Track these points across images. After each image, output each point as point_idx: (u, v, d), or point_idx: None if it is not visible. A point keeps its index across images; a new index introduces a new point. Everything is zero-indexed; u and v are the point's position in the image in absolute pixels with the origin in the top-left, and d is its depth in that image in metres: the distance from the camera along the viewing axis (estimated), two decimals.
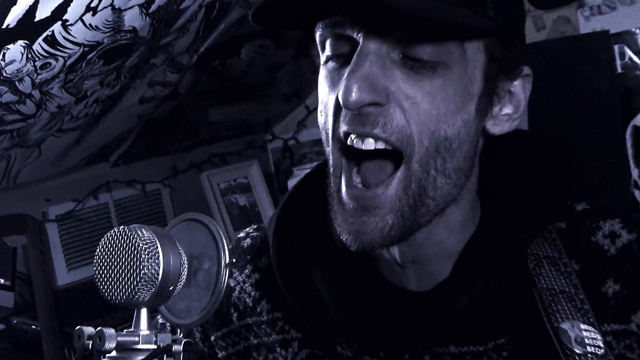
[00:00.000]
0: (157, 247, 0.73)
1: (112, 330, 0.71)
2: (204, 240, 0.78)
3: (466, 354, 0.88)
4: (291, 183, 2.74)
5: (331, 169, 0.87)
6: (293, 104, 3.03)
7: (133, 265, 0.73)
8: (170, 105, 2.63)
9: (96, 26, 1.81)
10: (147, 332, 0.74)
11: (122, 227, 0.74)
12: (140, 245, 0.73)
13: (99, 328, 0.71)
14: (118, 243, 0.74)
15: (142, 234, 0.74)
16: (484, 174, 0.93)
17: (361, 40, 0.81)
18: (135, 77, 2.28)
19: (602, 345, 0.84)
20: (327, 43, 0.86)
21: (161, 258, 0.73)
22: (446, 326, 0.88)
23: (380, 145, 0.82)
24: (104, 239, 0.75)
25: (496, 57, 0.85)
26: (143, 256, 0.72)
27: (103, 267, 0.74)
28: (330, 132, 0.86)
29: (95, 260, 0.75)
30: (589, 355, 0.82)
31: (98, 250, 0.75)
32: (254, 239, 1.04)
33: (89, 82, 2.07)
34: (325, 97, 0.86)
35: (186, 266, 0.76)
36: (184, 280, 0.76)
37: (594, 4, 2.44)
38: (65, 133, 2.30)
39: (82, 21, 1.75)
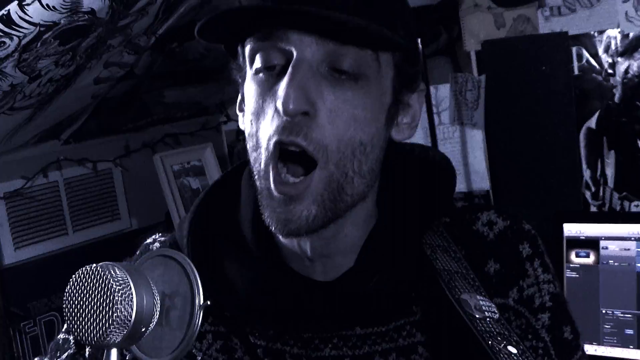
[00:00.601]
0: (130, 288, 0.72)
1: None
2: (177, 279, 0.77)
3: (371, 335, 0.98)
4: None
5: (261, 172, 0.94)
6: None
7: (105, 306, 0.71)
8: (126, 85, 2.58)
9: (53, 6, 1.77)
10: None
11: (94, 265, 0.73)
12: (114, 286, 0.71)
13: None
14: (90, 281, 0.72)
15: (115, 273, 0.72)
16: (383, 175, 1.03)
17: (295, 53, 0.91)
18: (91, 58, 2.22)
19: (496, 311, 0.97)
20: (258, 55, 0.94)
21: (134, 300, 0.72)
22: (351, 311, 0.97)
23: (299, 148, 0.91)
24: (76, 276, 0.73)
25: (402, 72, 0.98)
26: (116, 298, 0.71)
27: (73, 305, 0.73)
28: (262, 139, 0.93)
29: (65, 297, 0.73)
30: (488, 319, 0.94)
31: (68, 286, 0.73)
32: (163, 243, 1.10)
33: (43, 61, 2.02)
34: (256, 106, 0.94)
35: (159, 306, 0.75)
36: (156, 320, 0.74)
37: (554, 4, 2.46)
38: (17, 112, 2.24)
39: (39, 1, 1.71)
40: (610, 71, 2.43)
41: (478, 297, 0.97)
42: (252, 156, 0.97)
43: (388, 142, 1.01)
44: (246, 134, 0.97)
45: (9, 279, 2.54)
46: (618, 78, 2.42)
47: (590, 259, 2.27)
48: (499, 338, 0.92)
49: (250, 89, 0.95)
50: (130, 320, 0.72)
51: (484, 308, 0.96)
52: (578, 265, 2.25)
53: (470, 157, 2.64)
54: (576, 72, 2.47)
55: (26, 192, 2.61)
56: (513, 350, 0.91)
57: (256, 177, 0.96)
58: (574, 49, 2.46)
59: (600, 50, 2.44)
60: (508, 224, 1.07)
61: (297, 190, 0.91)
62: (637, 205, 2.46)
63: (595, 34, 2.43)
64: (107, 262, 0.74)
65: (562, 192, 2.49)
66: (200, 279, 0.94)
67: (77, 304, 0.73)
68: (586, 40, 2.45)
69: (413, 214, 1.02)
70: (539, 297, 1.04)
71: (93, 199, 2.83)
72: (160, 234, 1.14)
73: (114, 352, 0.73)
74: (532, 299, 1.04)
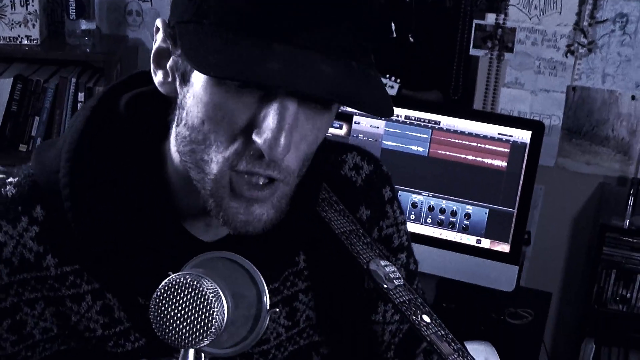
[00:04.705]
0: (222, 299, 0.78)
1: None
2: (241, 281, 0.83)
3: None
4: None
5: (211, 176, 0.87)
6: None
7: (203, 317, 0.76)
8: None
9: None
10: None
11: (187, 276, 0.76)
12: (210, 298, 0.76)
13: None
14: (183, 292, 0.76)
15: (207, 285, 0.77)
16: None
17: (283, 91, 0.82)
18: None
19: (399, 275, 1.00)
20: None
21: (226, 309, 0.78)
22: None
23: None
24: (167, 286, 0.76)
25: None
26: (214, 309, 0.76)
27: (163, 312, 0.76)
28: (219, 155, 0.85)
29: (153, 304, 0.77)
30: (398, 288, 0.98)
31: (158, 294, 0.77)
32: (19, 186, 0.95)
33: None
34: (216, 116, 0.84)
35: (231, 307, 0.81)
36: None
37: None
38: None
39: None
40: None
41: (382, 262, 1.00)
42: (191, 148, 0.87)
43: None
44: (184, 118, 0.87)
45: None
46: None
47: (343, 131, 2.53)
48: (413, 308, 0.97)
49: (208, 91, 0.83)
50: (222, 328, 0.78)
51: (391, 276, 0.99)
52: (330, 135, 2.50)
53: None
54: None
55: None
56: (427, 319, 0.96)
57: (194, 167, 0.88)
58: None
59: None
60: (372, 169, 1.11)
61: (263, 196, 0.87)
62: (391, 87, 2.74)
63: None
64: (191, 273, 0.78)
65: None
66: (83, 235, 0.91)
67: (168, 312, 0.76)
68: None
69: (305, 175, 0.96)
70: (398, 237, 1.12)
71: None
72: (3, 171, 0.98)
73: (191, 352, 0.79)
74: (391, 239, 1.11)
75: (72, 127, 0.95)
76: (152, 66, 0.91)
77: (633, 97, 2.69)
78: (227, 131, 0.84)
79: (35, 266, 0.93)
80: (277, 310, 0.83)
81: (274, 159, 0.82)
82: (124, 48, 2.88)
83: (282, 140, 0.81)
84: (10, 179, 0.96)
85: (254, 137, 0.82)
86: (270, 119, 0.81)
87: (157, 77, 0.91)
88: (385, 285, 0.97)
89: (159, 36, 0.89)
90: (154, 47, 0.91)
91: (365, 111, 0.83)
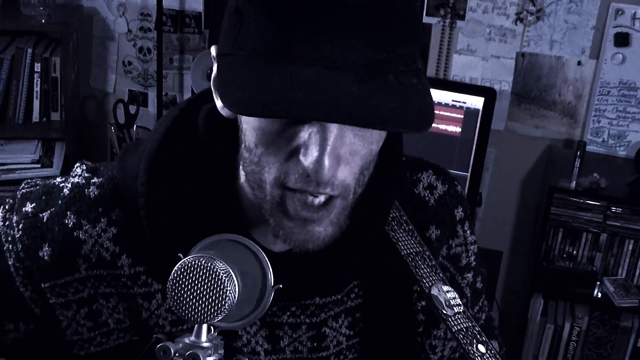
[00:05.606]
0: (233, 278, 0.83)
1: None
2: (247, 260, 0.88)
3: (328, 303, 1.02)
4: None
5: (268, 197, 0.90)
6: None
7: (217, 295, 0.81)
8: None
9: None
10: (208, 343, 0.85)
11: (200, 259, 0.82)
12: (223, 278, 0.82)
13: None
14: (198, 273, 0.82)
15: (219, 266, 0.82)
16: None
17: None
18: None
19: (460, 303, 1.01)
20: None
21: (237, 288, 0.84)
22: (311, 282, 0.99)
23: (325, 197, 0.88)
24: (182, 267, 0.82)
25: None
26: (227, 288, 0.82)
27: (180, 292, 0.82)
28: (271, 176, 0.88)
29: (170, 284, 0.82)
30: (457, 315, 0.99)
31: (174, 275, 0.82)
32: (102, 188, 0.99)
33: None
34: (270, 145, 0.87)
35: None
36: None
37: None
38: None
39: None
40: None
41: (444, 287, 1.00)
42: (251, 169, 0.90)
43: None
44: (243, 140, 0.91)
45: None
46: None
47: None
48: (470, 337, 0.97)
49: (260, 124, 0.87)
50: (233, 305, 0.84)
51: (452, 302, 0.99)
52: None
53: None
54: None
55: None
56: (482, 349, 0.97)
57: (255, 187, 0.91)
58: None
59: None
60: (446, 189, 1.10)
61: (318, 217, 0.89)
62: None
63: None
64: (204, 255, 0.83)
65: None
66: (155, 240, 0.96)
67: (185, 292, 0.81)
68: None
69: (375, 190, 0.98)
70: (466, 257, 1.11)
71: None
72: (87, 169, 1.02)
73: (204, 326, 0.85)
74: (459, 258, 1.10)
75: (154, 135, 0.98)
76: (213, 92, 0.93)
77: (579, 63, 2.80)
78: (277, 154, 0.86)
79: (110, 264, 0.98)
80: (281, 286, 0.89)
81: (320, 180, 0.84)
82: (79, 17, 2.86)
83: (326, 162, 0.83)
84: (95, 180, 1.00)
85: (301, 158, 0.84)
86: (312, 141, 0.83)
87: (219, 103, 0.92)
88: (444, 312, 0.98)
89: (215, 65, 0.91)
90: (213, 74, 0.92)
91: (392, 130, 0.84)
